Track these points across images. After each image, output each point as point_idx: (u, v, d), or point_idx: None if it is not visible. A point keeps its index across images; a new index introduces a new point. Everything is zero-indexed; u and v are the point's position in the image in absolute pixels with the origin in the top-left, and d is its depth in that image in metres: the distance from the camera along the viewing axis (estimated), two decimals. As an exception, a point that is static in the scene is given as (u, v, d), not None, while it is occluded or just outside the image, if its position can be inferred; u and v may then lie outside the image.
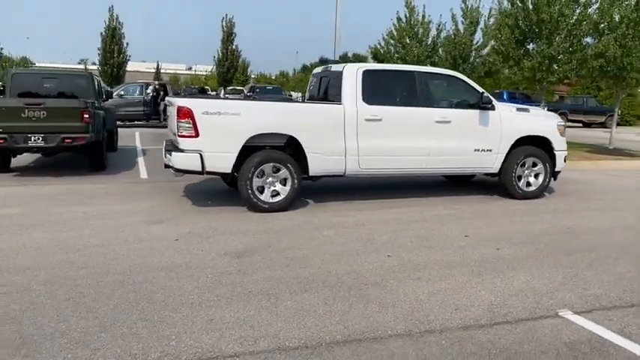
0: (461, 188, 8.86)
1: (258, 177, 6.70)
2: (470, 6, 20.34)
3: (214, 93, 39.31)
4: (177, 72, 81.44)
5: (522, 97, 35.69)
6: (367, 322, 3.63)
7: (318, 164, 6.93)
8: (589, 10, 13.30)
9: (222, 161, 6.57)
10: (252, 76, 59.35)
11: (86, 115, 8.92)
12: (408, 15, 20.77)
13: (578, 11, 13.40)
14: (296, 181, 6.84)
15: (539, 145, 8.02)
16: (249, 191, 6.66)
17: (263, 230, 5.95)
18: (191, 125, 6.38)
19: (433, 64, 20.14)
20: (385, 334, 3.48)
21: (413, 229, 6.20)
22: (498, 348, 3.33)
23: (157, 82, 22.63)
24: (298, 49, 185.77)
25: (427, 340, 3.41)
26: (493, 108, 7.69)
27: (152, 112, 20.54)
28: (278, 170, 6.79)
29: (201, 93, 30.95)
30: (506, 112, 7.85)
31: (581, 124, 30.99)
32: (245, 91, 35.48)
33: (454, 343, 3.37)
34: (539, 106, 14.25)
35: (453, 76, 7.88)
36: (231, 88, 38.79)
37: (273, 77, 77.00)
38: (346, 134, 7.00)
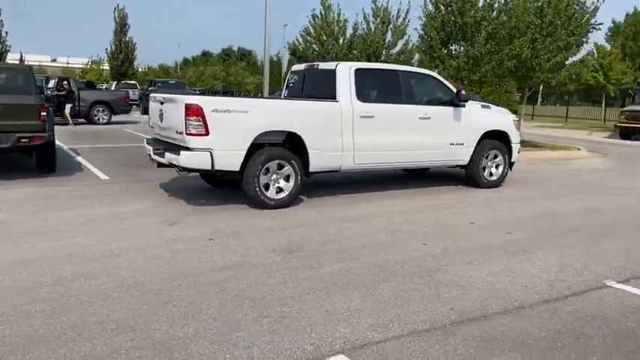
0: (423, 180, 9.46)
1: (264, 174, 6.75)
2: (380, 6, 21.30)
3: (104, 87, 37.13)
4: (42, 64, 74.85)
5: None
6: (465, 304, 3.97)
7: (318, 160, 7.12)
8: (503, 15, 14.64)
9: (232, 159, 6.54)
10: (140, 70, 56.70)
11: (43, 113, 8.30)
12: (324, 12, 21.28)
13: (493, 15, 14.70)
14: (299, 177, 6.98)
15: (499, 138, 8.85)
16: (257, 188, 6.69)
17: (287, 226, 6.04)
18: (201, 123, 6.28)
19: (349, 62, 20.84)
20: (488, 312, 3.84)
21: (420, 218, 6.63)
22: (588, 315, 3.84)
23: (59, 77, 20.99)
24: (180, 42, 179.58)
25: (526, 314, 3.83)
26: (464, 105, 8.36)
27: (57, 109, 19.08)
28: (282, 167, 6.89)
29: (90, 87, 29.17)
30: (474, 109, 8.57)
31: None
32: (138, 86, 34.05)
33: (551, 315, 3.82)
34: None
35: (430, 75, 8.45)
36: (123, 82, 36.92)
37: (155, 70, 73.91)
38: (343, 131, 7.26)
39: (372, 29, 21.30)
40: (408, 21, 21.33)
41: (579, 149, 15.73)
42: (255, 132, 6.61)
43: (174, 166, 6.60)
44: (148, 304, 3.78)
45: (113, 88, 33.82)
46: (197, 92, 32.65)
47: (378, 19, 21.59)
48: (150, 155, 7.34)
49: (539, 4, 14.87)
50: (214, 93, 32.57)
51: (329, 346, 3.26)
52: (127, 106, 21.65)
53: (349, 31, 21.24)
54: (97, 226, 5.80)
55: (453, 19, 14.32)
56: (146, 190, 7.82)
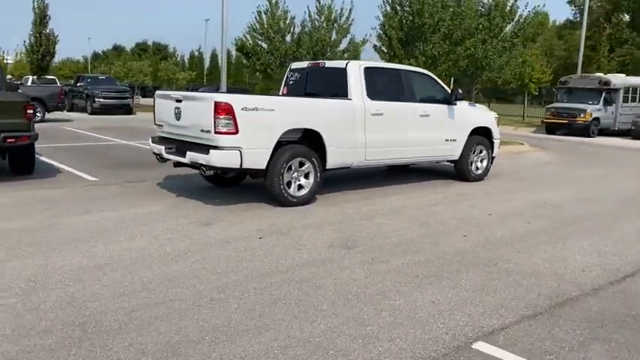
0: (408, 176, 9.79)
1: (287, 172, 6.76)
2: (324, 4, 21.59)
3: (19, 82, 34.59)
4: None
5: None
6: (547, 290, 4.27)
7: (335, 157, 7.23)
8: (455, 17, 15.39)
9: (260, 157, 6.50)
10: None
11: (30, 111, 7.79)
12: (270, 9, 21.23)
13: (448, 16, 15.41)
14: (319, 174, 7.06)
15: (484, 134, 9.37)
16: (282, 186, 6.69)
17: (323, 223, 6.12)
18: (231, 122, 6.19)
19: (296, 59, 20.98)
20: (572, 296, 4.17)
21: (440, 212, 6.93)
22: (655, 293, 4.28)
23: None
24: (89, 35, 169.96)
25: (604, 295, 4.20)
26: (456, 103, 8.77)
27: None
28: (302, 165, 6.93)
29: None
30: (464, 107, 9.02)
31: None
32: (57, 81, 32.10)
33: (626, 295, 4.22)
34: None
35: (426, 74, 8.78)
36: (41, 77, 34.56)
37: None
38: (356, 128, 7.41)
39: (318, 27, 21.55)
40: (352, 19, 21.78)
41: (522, 144, 16.81)
42: (281, 130, 6.61)
43: (199, 165, 6.44)
44: (258, 304, 3.76)
45: (30, 83, 31.65)
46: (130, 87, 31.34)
47: (323, 17, 21.87)
48: (159, 154, 7.11)
49: (487, 6, 15.76)
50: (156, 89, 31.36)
51: (462, 334, 3.43)
52: (62, 102, 20.46)
53: (297, 29, 21.38)
54: (133, 229, 5.59)
55: (411, 19, 14.84)
56: (149, 191, 7.57)
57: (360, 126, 7.43)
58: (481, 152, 9.37)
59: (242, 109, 6.24)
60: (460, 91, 8.80)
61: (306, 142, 7.05)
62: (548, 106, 25.03)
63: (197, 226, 5.79)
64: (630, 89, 23.39)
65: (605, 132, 22.44)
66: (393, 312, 3.72)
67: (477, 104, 10.46)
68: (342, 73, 7.58)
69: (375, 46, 17.72)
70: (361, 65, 7.69)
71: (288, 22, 21.12)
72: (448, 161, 9.21)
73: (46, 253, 4.69)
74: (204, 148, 6.34)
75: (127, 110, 24.61)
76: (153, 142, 7.41)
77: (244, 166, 6.41)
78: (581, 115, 21.85)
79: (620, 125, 22.86)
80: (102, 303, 3.69)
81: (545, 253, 5.27)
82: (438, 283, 4.31)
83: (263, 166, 6.55)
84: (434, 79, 8.77)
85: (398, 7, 15.10)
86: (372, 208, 6.95)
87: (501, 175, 10.19)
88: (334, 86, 7.66)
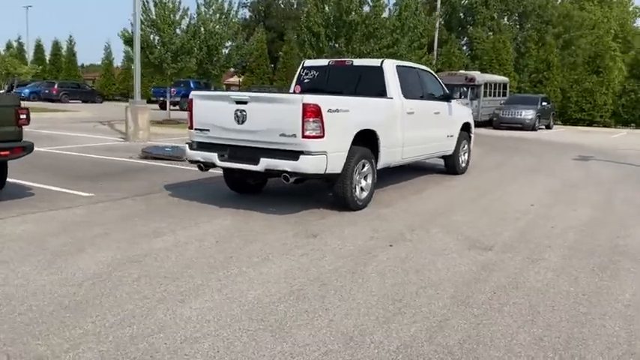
0: (403, 171, 10.01)
1: (356, 175, 6.52)
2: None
3: None
4: None
5: (207, 86, 37.51)
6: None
7: (385, 157, 7.13)
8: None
9: (339, 161, 6.16)
10: None
11: (23, 116, 6.39)
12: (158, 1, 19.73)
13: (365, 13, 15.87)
14: (375, 175, 6.91)
15: (466, 129, 9.92)
16: (353, 189, 6.44)
17: (413, 225, 6.03)
18: (319, 124, 5.78)
19: (190, 53, 19.92)
20: None
21: (487, 205, 7.23)
22: None
23: None
24: None
25: None
26: (450, 100, 9.16)
27: None
28: (364, 166, 6.73)
29: None
30: (455, 104, 9.44)
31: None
32: None
33: None
34: None
35: (431, 72, 9.00)
36: None
37: None
38: (397, 127, 7.38)
39: (210, 19, 20.67)
40: (241, 14, 21.25)
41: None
42: (355, 131, 6.35)
43: (278, 172, 5.89)
44: (484, 317, 3.65)
45: None
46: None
47: (211, 10, 21.07)
48: (207, 162, 6.37)
49: (399, 7, 16.53)
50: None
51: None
52: None
53: (191, 22, 20.20)
54: (239, 250, 4.96)
55: (338, 15, 14.97)
56: (180, 204, 6.75)
57: (400, 125, 7.41)
58: (464, 146, 9.91)
59: (328, 110, 5.86)
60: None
61: (361, 144, 6.84)
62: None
63: (307, 239, 5.33)
64: (489, 85, 26.33)
65: (471, 123, 24.97)
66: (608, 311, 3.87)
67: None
68: (379, 71, 7.47)
69: (300, 42, 17.41)
70: (394, 63, 7.66)
71: (180, 13, 19.82)
72: (444, 156, 9.55)
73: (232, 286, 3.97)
74: (288, 154, 5.82)
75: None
76: (192, 149, 6.57)
77: (328, 172, 6.02)
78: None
79: (482, 117, 25.61)
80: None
81: (637, 234, 5.83)
82: (595, 276, 4.56)
83: (339, 170, 6.22)
84: (435, 76, 9.05)
85: (321, 4, 15.11)
86: (420, 208, 7.01)
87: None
88: (367, 85, 7.52)
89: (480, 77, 25.91)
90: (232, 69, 23.06)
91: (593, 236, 5.75)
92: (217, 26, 20.69)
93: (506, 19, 59.66)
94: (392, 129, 7.20)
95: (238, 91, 40.03)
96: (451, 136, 9.16)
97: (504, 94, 27.56)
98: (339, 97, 6.37)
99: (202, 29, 20.10)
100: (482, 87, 25.59)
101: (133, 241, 5.09)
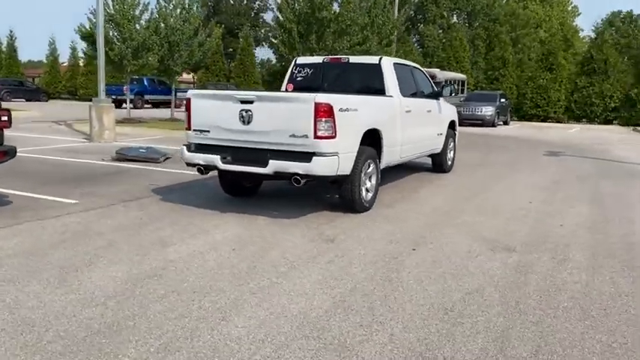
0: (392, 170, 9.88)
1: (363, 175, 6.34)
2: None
3: None
4: None
5: (160, 84, 36.54)
6: None
7: (387, 157, 6.98)
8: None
9: (349, 162, 5.95)
10: None
11: (4, 118, 5.87)
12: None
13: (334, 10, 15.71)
14: (379, 176, 6.75)
15: (451, 127, 9.89)
16: (360, 191, 6.26)
17: (430, 226, 5.91)
18: (331, 124, 5.55)
19: (150, 49, 19.25)
20: None
21: (496, 204, 7.18)
22: None
23: None
24: None
25: None
26: (439, 98, 9.10)
27: None
28: (369, 167, 6.55)
29: None
30: (443, 102, 9.39)
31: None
32: None
33: None
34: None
35: (421, 69, 8.88)
36: None
37: None
38: (397, 126, 7.24)
39: (170, 15, 20.05)
40: (202, 11, 20.76)
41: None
42: (363, 130, 6.16)
43: (289, 175, 5.62)
44: (543, 324, 3.56)
45: None
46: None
47: (171, 4, 20.46)
48: (208, 165, 6.04)
49: (369, 4, 16.43)
50: None
51: None
52: None
53: (152, 17, 19.49)
54: (260, 259, 4.70)
55: (310, 11, 14.73)
56: (178, 209, 6.39)
57: (399, 123, 7.27)
58: (451, 144, 9.89)
59: (339, 110, 5.64)
60: (449, 87, 9.13)
61: (366, 143, 6.65)
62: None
63: (326, 244, 5.11)
64: (449, 82, 26.69)
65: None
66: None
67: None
68: (377, 69, 7.31)
69: (272, 38, 16.99)
70: (391, 61, 7.51)
71: (141, 8, 19.06)
72: (432, 154, 9.49)
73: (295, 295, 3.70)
74: (299, 156, 5.57)
75: None
76: (189, 150, 6.21)
77: (338, 173, 5.80)
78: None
79: (443, 113, 25.93)
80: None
81: (643, 232, 5.91)
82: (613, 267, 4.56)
83: (349, 171, 6.01)
84: (425, 73, 8.96)
85: (292, 0, 14.82)
86: (426, 209, 6.90)
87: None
88: (365, 83, 7.35)
89: (440, 74, 26.17)
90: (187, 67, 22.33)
91: (604, 234, 5.78)
92: (178, 22, 20.05)
93: (455, 17, 61.09)
94: (393, 128, 7.05)
95: (194, 88, 39.21)
96: (440, 134, 9.11)
97: (462, 91, 28.01)
98: (348, 95, 6.13)
99: (163, 25, 19.42)
100: (443, 83, 25.89)
101: (142, 253, 4.72)
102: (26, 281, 3.99)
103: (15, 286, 3.90)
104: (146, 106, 35.96)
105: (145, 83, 36.17)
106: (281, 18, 15.60)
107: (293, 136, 5.56)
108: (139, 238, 5.19)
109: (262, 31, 64.42)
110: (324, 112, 5.46)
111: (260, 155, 5.73)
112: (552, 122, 29.57)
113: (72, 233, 5.29)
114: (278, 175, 5.72)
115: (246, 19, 64.60)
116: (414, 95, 7.98)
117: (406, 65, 8.38)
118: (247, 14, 66.16)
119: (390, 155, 7.08)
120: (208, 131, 6.06)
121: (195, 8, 20.71)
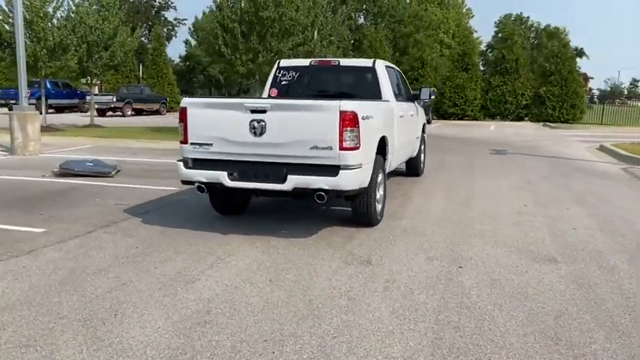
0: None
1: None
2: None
3: None
4: None
5: (65, 87, 33.99)
6: None
7: (388, 165, 6.62)
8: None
9: (368, 173, 5.51)
10: None
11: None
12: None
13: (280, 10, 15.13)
14: (386, 186, 6.38)
15: (423, 130, 9.74)
16: (376, 204, 5.85)
17: (455, 239, 5.63)
18: (357, 134, 5.09)
19: (67, 50, 17.65)
20: None
21: (477, 206, 7.04)
22: None
23: None
24: None
25: None
26: (415, 101, 8.88)
27: None
28: (378, 177, 6.15)
29: None
30: (417, 105, 9.17)
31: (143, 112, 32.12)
32: None
33: None
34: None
35: (400, 72, 8.58)
36: None
37: None
38: (394, 132, 6.89)
39: (87, 12, 18.54)
40: (122, 7, 19.47)
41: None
42: (378, 138, 5.76)
43: (312, 191, 5.08)
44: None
45: None
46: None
47: (87, 2, 18.97)
48: (212, 182, 5.36)
49: (310, 3, 16.00)
50: None
51: None
52: None
53: (70, 15, 17.83)
54: (308, 291, 4.18)
55: (253, 10, 14.05)
56: (163, 233, 5.64)
57: (396, 129, 6.93)
58: (423, 147, 9.73)
59: (362, 118, 5.18)
60: (430, 89, 8.92)
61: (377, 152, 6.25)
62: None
63: (366, 267, 4.65)
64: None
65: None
66: None
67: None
68: (371, 72, 6.93)
69: (212, 38, 15.89)
70: (383, 63, 7.16)
71: (54, 5, 17.31)
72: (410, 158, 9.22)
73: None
74: (322, 169, 5.04)
75: None
76: (187, 167, 5.48)
77: (361, 186, 5.34)
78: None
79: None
80: None
81: (653, 232, 5.99)
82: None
83: (367, 183, 5.56)
84: (403, 76, 8.70)
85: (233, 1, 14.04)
86: (433, 215, 6.64)
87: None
88: (359, 87, 6.94)
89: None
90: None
91: (620, 235, 5.79)
92: (96, 20, 18.51)
93: (362, 18, 62.34)
94: (393, 134, 6.70)
95: (103, 91, 36.65)
96: (418, 137, 8.91)
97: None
98: (364, 102, 5.67)
99: (80, 23, 17.84)
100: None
101: (169, 293, 4.02)
102: (49, 343, 3.19)
103: (39, 352, 3.09)
104: (50, 110, 33.17)
105: (49, 86, 33.33)
106: (219, 17, 14.75)
107: (315, 148, 5.02)
108: (152, 273, 4.44)
109: (165, 29, 62.07)
110: (349, 121, 4.98)
111: (275, 170, 5.15)
112: (469, 120, 30.75)
113: (66, 272, 4.43)
114: (297, 192, 5.15)
115: (147, 18, 61.90)
116: (401, 99, 7.68)
117: (392, 67, 8.06)
118: (148, 12, 63.40)
119: (390, 163, 6.73)
120: (211, 144, 5.35)
121: (114, 6, 19.20)
